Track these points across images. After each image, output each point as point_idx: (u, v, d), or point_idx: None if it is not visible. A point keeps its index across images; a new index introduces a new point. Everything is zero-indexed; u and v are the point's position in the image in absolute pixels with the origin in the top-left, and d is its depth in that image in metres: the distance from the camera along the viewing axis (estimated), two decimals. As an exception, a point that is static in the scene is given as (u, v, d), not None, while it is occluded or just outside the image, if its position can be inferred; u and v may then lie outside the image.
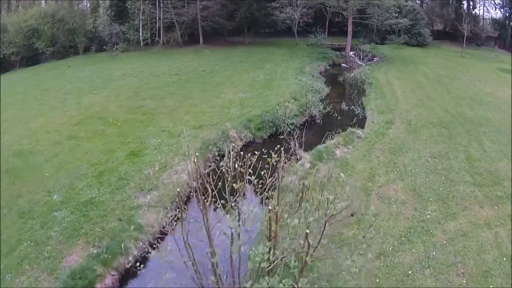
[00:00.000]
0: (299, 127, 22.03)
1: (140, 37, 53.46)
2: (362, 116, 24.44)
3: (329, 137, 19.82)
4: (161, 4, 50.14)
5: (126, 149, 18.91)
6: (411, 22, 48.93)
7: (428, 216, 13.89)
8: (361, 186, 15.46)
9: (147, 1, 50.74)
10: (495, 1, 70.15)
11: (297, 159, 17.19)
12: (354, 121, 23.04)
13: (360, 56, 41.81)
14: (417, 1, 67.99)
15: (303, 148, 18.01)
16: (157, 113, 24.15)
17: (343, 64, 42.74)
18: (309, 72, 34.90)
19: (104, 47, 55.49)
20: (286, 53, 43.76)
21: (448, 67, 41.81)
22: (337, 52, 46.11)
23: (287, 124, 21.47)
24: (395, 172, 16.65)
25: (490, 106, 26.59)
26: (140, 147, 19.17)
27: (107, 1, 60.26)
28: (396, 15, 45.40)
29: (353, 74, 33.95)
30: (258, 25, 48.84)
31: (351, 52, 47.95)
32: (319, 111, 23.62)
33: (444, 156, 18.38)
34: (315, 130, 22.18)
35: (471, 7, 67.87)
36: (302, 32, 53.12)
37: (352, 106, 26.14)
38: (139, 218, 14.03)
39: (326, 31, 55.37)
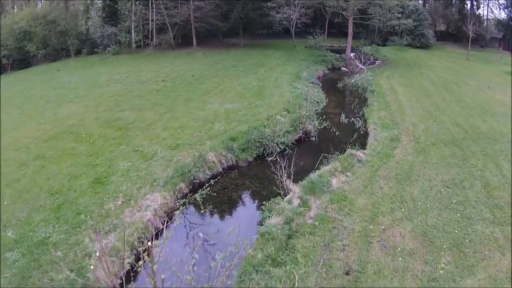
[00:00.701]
0: (291, 146, 18.77)
1: (132, 39, 50.33)
2: (363, 130, 21.16)
3: (325, 160, 16.57)
4: (154, 4, 46.91)
5: (92, 174, 15.97)
6: (415, 23, 45.40)
7: (441, 271, 10.69)
8: (360, 230, 12.24)
9: (138, 2, 47.51)
10: (499, 2, 66.78)
11: (285, 194, 13.98)
12: (354, 137, 19.84)
13: (361, 59, 38.40)
14: (420, 1, 64.44)
15: (292, 177, 14.74)
16: (133, 128, 21.08)
17: (343, 68, 39.37)
18: (306, 77, 31.60)
19: (96, 49, 52.41)
20: (283, 56, 40.45)
21: (454, 71, 38.46)
22: (337, 55, 42.74)
23: (277, 143, 18.18)
24: (403, 209, 13.37)
25: (503, 117, 23.32)
26: (107, 172, 16.13)
27: (99, 2, 57.33)
28: (399, 15, 41.88)
29: (353, 80, 30.61)
30: (253, 26, 45.51)
31: (352, 53, 44.56)
32: (315, 126, 20.17)
33: (458, 185, 15.11)
34: (309, 150, 18.94)
35: (475, 7, 64.35)
36: (300, 33, 49.86)
37: (353, 118, 22.84)
38: (90, 270, 10.91)
39: (326, 32, 52.00)
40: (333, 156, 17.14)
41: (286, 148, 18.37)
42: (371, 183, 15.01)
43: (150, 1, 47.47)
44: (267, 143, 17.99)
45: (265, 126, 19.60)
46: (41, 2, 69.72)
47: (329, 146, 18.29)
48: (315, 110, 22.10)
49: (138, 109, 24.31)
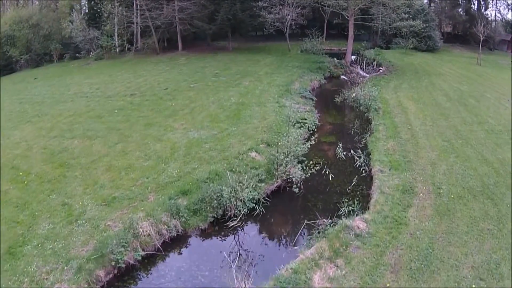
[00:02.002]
0: (263, 202, 12.93)
1: (116, 43, 44.56)
2: (366, 171, 15.27)
3: (306, 231, 10.83)
4: (137, 6, 41.00)
5: (8, 239, 11.28)
6: (424, 25, 39.13)
7: None
8: None
9: (117, 3, 41.70)
10: (508, 2, 60.14)
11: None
12: (353, 184, 14.03)
13: (363, 65, 32.30)
14: (425, 1, 57.91)
15: (251, 275, 9.01)
16: (74, 165, 15.64)
17: (342, 76, 33.27)
18: (297, 90, 25.67)
19: (77, 54, 46.79)
20: (274, 62, 34.43)
21: (467, 79, 32.34)
22: (336, 60, 36.63)
23: (243, 201, 12.33)
24: None
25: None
26: (25, 238, 11.34)
27: (83, 4, 51.62)
28: (406, 16, 35.63)
29: (354, 94, 24.55)
30: (242, 28, 39.33)
31: (353, 56, 38.45)
32: (300, 175, 14.07)
33: (494, 272, 9.57)
34: (288, 210, 13.18)
35: (483, 8, 57.90)
36: (296, 35, 43.76)
37: (352, 151, 16.90)
38: None
39: (325, 34, 45.82)
40: (321, 224, 11.33)
41: (256, 206, 12.51)
42: (373, 280, 9.22)
43: (132, 3, 41.55)
44: (229, 202, 12.09)
45: (232, 170, 13.79)
46: (33, 4, 64.14)
47: (317, 203, 12.48)
48: (303, 141, 15.97)
49: (89, 136, 18.69)
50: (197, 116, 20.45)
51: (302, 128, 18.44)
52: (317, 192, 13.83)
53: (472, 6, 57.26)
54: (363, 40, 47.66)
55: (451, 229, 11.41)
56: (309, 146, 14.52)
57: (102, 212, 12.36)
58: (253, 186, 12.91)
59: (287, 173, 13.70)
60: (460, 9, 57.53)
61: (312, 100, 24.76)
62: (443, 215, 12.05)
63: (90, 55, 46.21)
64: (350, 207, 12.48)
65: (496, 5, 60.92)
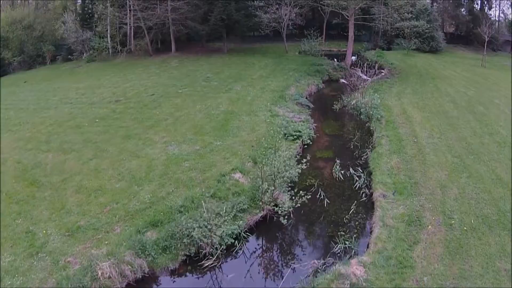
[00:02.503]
0: (245, 236, 10.90)
1: (109, 44, 42.49)
2: (366, 195, 13.18)
3: (292, 276, 8.85)
4: (131, 7, 38.86)
5: None
6: (428, 25, 36.98)
7: None
8: None
9: (109, 4, 39.64)
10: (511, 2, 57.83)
11: None
12: (351, 211, 11.99)
13: (363, 67, 30.12)
14: (428, 0, 55.62)
15: None
16: (45, 184, 13.81)
17: (342, 80, 31.12)
18: (293, 96, 23.62)
19: (70, 56, 44.80)
20: (270, 64, 32.31)
21: (473, 83, 30.22)
22: (335, 63, 34.51)
23: (221, 236, 10.31)
24: None
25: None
26: None
27: (76, 4, 49.66)
28: (409, 15, 33.43)
29: (354, 101, 22.44)
30: (237, 28, 37.10)
31: (353, 57, 36.29)
32: (291, 197, 12.04)
33: None
34: (272, 247, 11.16)
35: (486, 8, 55.70)
36: (294, 35, 41.63)
37: (351, 169, 14.80)
38: None
39: (324, 35, 43.65)
40: (311, 266, 9.33)
41: (236, 242, 10.49)
42: None
43: (125, 3, 39.42)
44: (203, 238, 10.07)
45: (212, 196, 11.78)
46: (29, 4, 62.13)
47: (308, 236, 10.47)
48: (296, 160, 13.88)
49: (64, 150, 16.79)
50: (180, 127, 18.40)
51: (296, 142, 16.39)
52: (309, 222, 11.81)
53: (475, 6, 55.18)
54: (363, 40, 45.44)
55: (464, 271, 9.43)
56: (300, 171, 12.32)
57: (65, 244, 10.67)
58: (233, 218, 10.89)
59: (274, 201, 11.64)
60: (463, 9, 55.35)
61: (309, 107, 22.72)
62: (455, 254, 10.03)
63: (83, 57, 44.28)
64: (347, 243, 10.46)
65: (499, 5, 58.81)
